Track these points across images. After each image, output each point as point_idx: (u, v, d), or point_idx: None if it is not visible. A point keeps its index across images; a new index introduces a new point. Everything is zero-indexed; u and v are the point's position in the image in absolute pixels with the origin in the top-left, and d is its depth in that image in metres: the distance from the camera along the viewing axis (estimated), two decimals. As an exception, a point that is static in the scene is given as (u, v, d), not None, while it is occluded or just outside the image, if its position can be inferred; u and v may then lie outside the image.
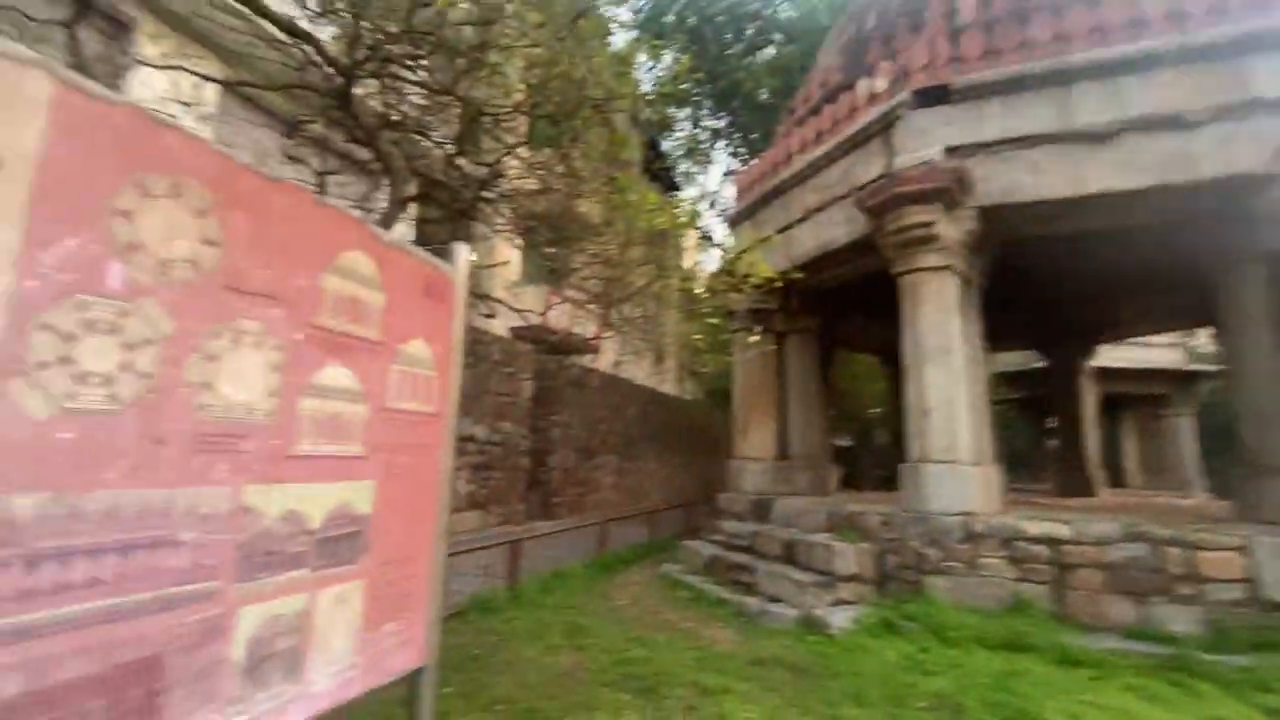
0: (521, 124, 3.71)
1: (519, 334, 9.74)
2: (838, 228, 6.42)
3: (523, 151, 3.56)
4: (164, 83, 3.69)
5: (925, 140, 5.39)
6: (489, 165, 3.02)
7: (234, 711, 1.11)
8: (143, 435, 0.98)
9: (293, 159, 3.26)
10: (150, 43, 5.81)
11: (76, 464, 0.89)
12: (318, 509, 1.31)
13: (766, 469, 7.92)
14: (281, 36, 2.21)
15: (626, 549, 8.67)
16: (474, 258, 5.20)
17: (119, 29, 6.58)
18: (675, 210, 2.88)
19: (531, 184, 4.11)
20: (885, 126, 5.78)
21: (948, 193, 5.09)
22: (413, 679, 1.61)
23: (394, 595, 1.51)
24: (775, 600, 5.62)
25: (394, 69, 2.50)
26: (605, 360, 15.42)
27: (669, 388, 21.78)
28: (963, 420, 5.18)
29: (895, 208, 5.36)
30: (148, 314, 0.99)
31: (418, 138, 2.92)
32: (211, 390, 1.09)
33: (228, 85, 2.89)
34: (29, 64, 0.85)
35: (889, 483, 7.36)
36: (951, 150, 5.31)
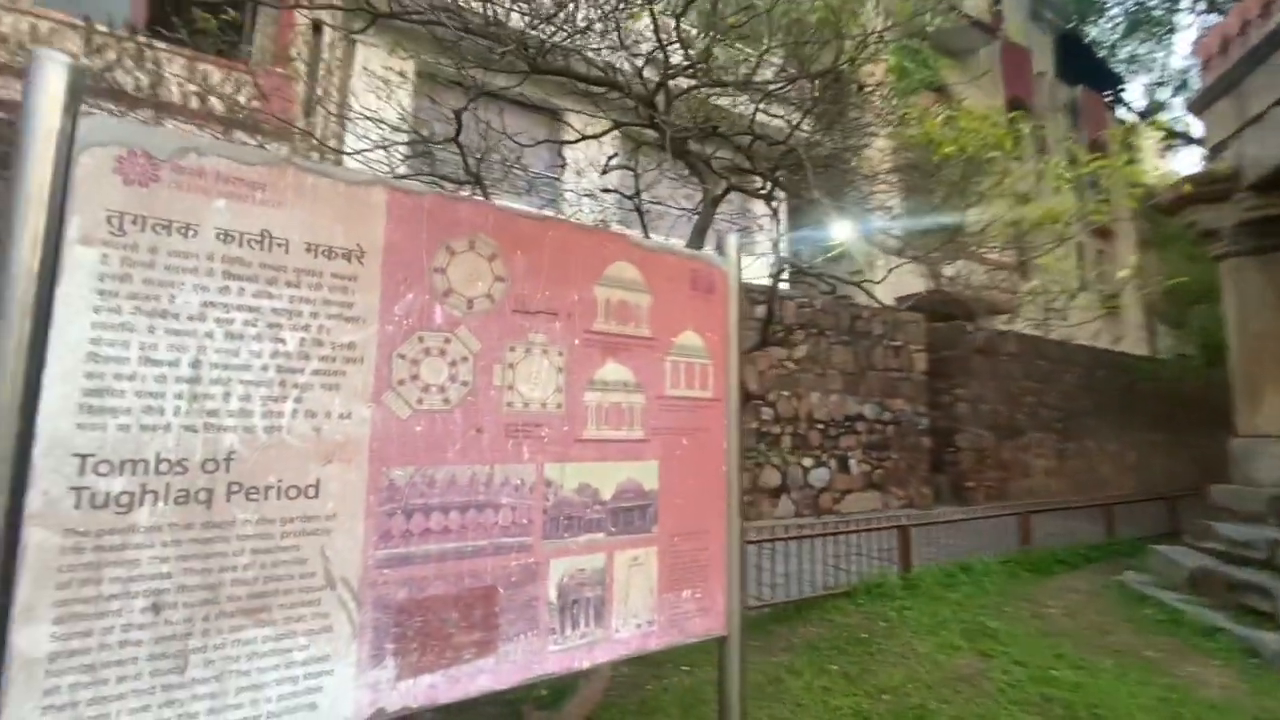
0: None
1: (905, 303, 9.02)
2: None
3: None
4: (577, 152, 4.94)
5: None
6: (780, 142, 2.95)
7: (551, 640, 1.42)
8: (467, 426, 1.35)
9: (605, 190, 3.86)
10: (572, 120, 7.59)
11: (427, 447, 1.29)
12: (607, 484, 1.54)
13: (1300, 451, 5.40)
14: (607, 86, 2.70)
15: (1066, 548, 7.12)
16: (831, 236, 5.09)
17: (556, 117, 8.79)
18: (989, 127, 2.25)
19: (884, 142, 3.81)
20: None
21: None
22: (720, 647, 1.73)
23: (688, 565, 1.66)
24: (1317, 645, 3.82)
25: (689, 82, 2.72)
26: (1024, 320, 12.90)
27: (1131, 345, 16.83)
28: None
29: None
30: (462, 339, 1.36)
31: (726, 137, 3.09)
32: (513, 390, 1.42)
33: (596, 137, 3.60)
34: (372, 183, 1.28)
35: None
36: None
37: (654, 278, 1.68)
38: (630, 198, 3.20)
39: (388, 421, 1.25)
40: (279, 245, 1.17)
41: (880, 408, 9.62)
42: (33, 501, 0.94)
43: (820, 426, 8.86)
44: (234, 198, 1.14)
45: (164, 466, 1.04)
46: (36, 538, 0.94)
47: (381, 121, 4.17)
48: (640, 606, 1.57)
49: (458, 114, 2.76)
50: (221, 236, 1.12)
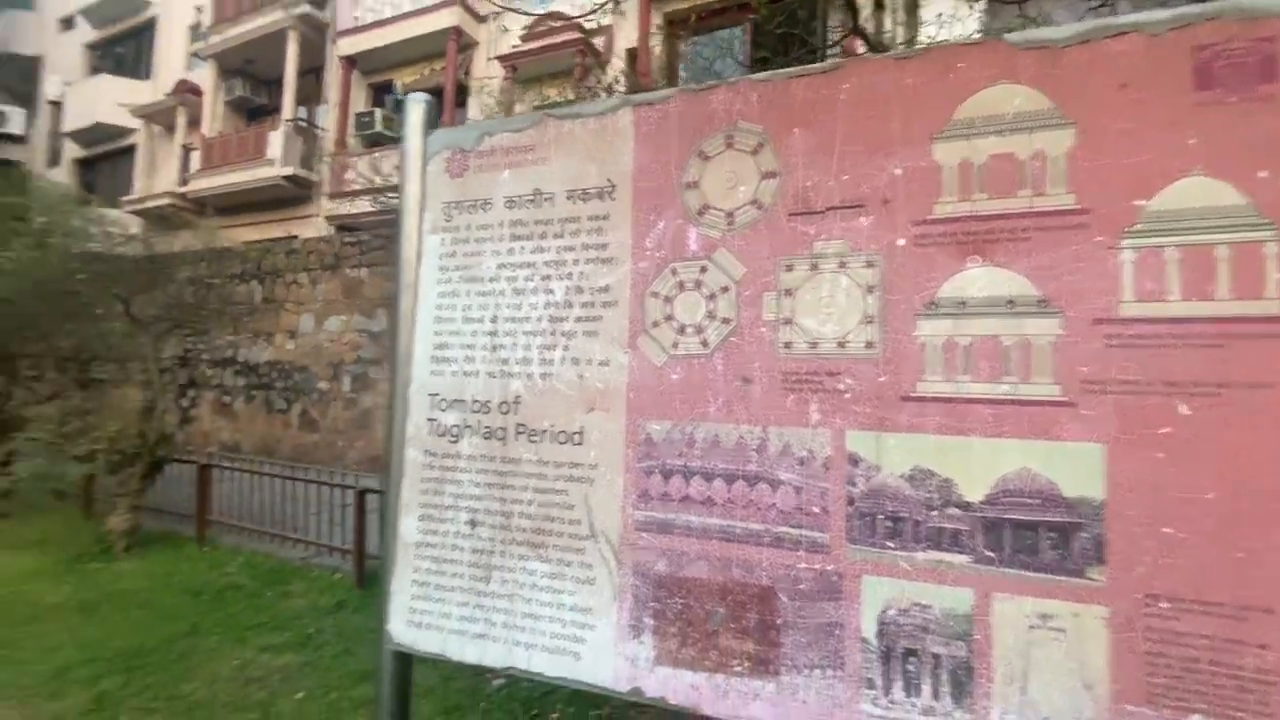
0: None
1: None
2: None
3: None
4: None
5: None
6: None
7: (867, 697, 0.93)
8: (730, 375, 1.05)
9: None
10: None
11: (684, 399, 1.07)
12: (975, 474, 0.90)
13: None
14: None
15: None
16: None
17: None
18: None
19: None
20: None
21: None
22: None
23: (1198, 664, 0.78)
24: None
25: None
26: None
27: None
28: None
29: None
30: (720, 264, 1.07)
31: None
32: (792, 326, 1.01)
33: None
34: (619, 106, 1.16)
35: None
36: None
37: (1080, 91, 0.88)
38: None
39: (643, 369, 1.11)
40: (546, 200, 1.21)
41: None
42: (409, 428, 1.28)
43: None
44: (514, 166, 1.25)
45: (475, 406, 1.23)
46: (410, 454, 1.27)
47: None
48: (1064, 707, 0.84)
49: None
50: (507, 203, 1.25)
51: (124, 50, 18.10)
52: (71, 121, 17.58)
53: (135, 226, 10.73)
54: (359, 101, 13.02)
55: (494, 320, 1.24)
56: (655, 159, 1.13)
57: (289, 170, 12.79)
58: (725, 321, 1.06)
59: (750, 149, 1.06)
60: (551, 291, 1.19)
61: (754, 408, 1.03)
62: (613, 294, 1.14)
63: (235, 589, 4.53)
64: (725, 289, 1.06)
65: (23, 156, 18.84)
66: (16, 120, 19.01)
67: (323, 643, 3.71)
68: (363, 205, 10.84)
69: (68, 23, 18.93)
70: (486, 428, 1.22)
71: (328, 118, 13.24)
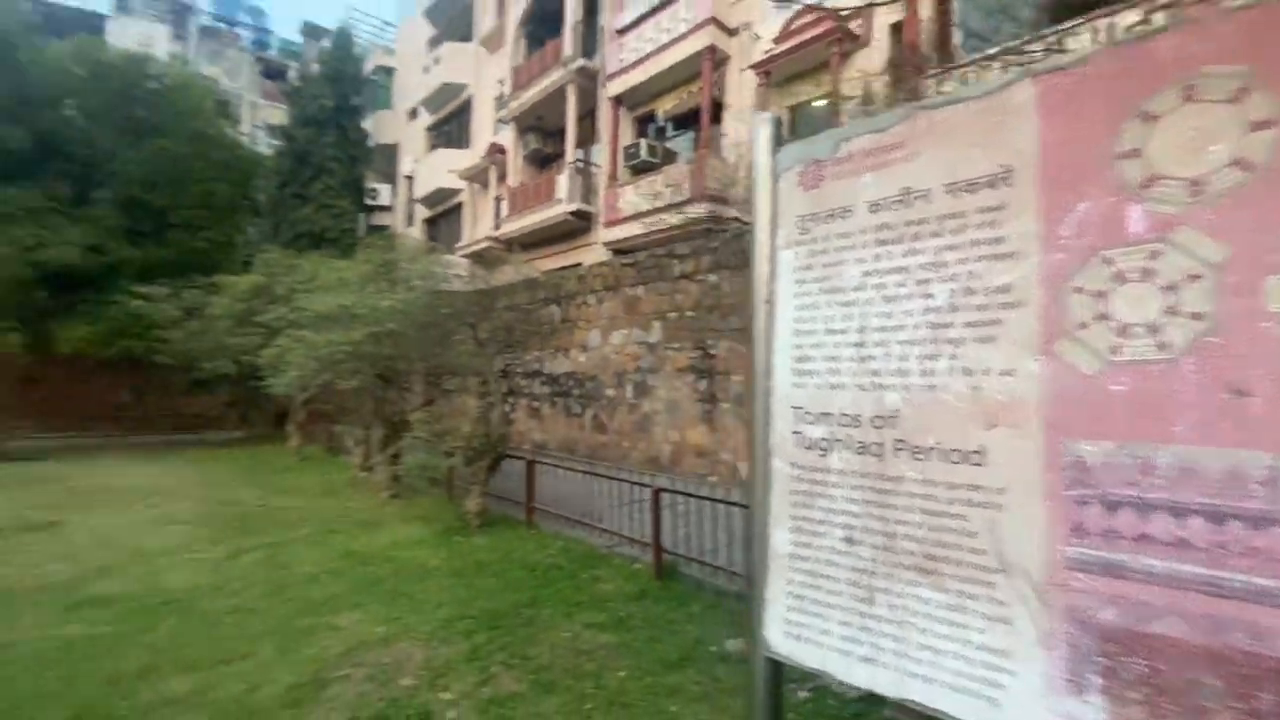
0: None
1: None
2: None
3: None
4: None
5: None
6: None
7: None
8: (1210, 384, 0.83)
9: None
10: None
11: (1134, 415, 0.88)
12: None
13: None
14: None
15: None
16: None
17: None
18: None
19: None
20: None
21: None
22: None
23: None
24: None
25: None
26: None
27: None
28: None
29: None
30: (1183, 246, 0.85)
31: None
32: (1321, 318, 0.76)
33: None
34: (1012, 82, 1.01)
35: None
36: None
37: None
38: None
39: (1066, 379, 0.95)
40: (919, 198, 1.12)
41: None
42: (772, 438, 1.30)
43: None
44: (877, 168, 1.18)
45: (844, 419, 1.19)
46: (776, 465, 1.29)
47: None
48: None
49: None
50: (871, 208, 1.19)
51: (451, 128, 22.87)
52: (419, 189, 22.80)
53: (466, 267, 13.40)
54: (626, 135, 14.35)
55: (861, 330, 1.19)
56: (1069, 132, 0.96)
57: (573, 206, 14.68)
58: (1196, 317, 0.84)
59: (1226, 97, 0.83)
60: (930, 296, 1.10)
61: (1254, 427, 0.80)
62: (1015, 293, 1.00)
63: (558, 568, 5.27)
64: (1195, 276, 0.85)
65: (389, 222, 25.05)
66: (385, 194, 25.35)
67: (633, 626, 4.09)
68: (634, 230, 11.90)
69: (413, 113, 24.59)
70: (859, 442, 1.18)
71: (601, 154, 14.87)
